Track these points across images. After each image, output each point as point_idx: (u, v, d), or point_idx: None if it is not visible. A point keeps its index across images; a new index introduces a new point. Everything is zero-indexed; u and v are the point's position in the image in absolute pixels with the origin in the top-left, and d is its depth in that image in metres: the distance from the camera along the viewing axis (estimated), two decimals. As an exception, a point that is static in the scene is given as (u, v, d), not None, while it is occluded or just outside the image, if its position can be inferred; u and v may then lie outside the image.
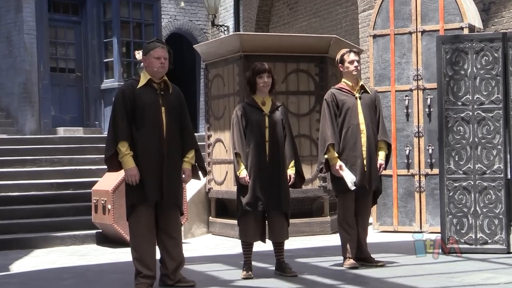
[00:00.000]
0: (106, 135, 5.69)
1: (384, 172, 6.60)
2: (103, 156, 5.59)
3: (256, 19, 17.18)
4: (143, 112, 5.42)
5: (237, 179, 6.07)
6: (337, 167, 6.21)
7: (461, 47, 7.12)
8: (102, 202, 8.42)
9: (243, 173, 5.99)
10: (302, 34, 14.65)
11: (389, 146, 6.49)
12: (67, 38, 14.99)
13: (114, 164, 5.51)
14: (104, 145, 5.66)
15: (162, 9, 17.08)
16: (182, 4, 18.67)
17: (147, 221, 5.46)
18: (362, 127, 6.30)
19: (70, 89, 14.85)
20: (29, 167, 10.93)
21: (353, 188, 6.18)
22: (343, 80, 6.50)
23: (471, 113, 7.06)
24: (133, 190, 5.42)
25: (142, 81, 5.51)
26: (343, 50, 6.51)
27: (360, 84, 6.44)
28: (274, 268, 6.20)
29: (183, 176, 5.60)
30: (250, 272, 6.04)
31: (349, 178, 6.18)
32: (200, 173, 5.80)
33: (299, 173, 6.21)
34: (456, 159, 7.08)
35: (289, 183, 6.12)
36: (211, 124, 9.85)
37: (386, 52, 9.29)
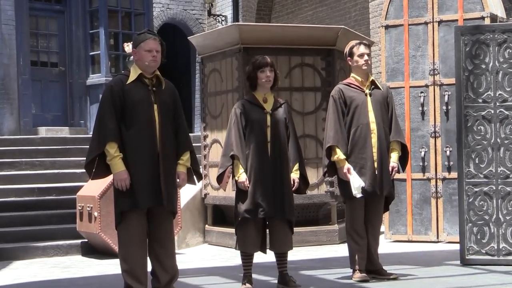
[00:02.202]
0: (91, 136, 5.68)
1: (397, 176, 6.61)
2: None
3: (256, 8, 17.19)
4: (133, 110, 5.42)
5: (236, 183, 6.07)
6: (345, 171, 6.22)
7: (482, 38, 7.13)
8: (88, 209, 8.43)
9: (242, 177, 5.99)
10: (307, 24, 14.66)
11: (404, 147, 6.49)
12: (49, 29, 14.98)
13: (98, 169, 5.49)
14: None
15: (154, -3, 17.09)
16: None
17: (138, 229, 5.46)
18: (373, 126, 6.30)
19: (53, 85, 14.85)
20: (7, 170, 10.93)
21: (358, 195, 6.18)
22: (352, 75, 6.50)
23: (492, 111, 7.06)
24: (122, 196, 5.41)
25: (132, 76, 5.51)
26: (352, 42, 6.52)
27: (370, 80, 6.45)
28: (276, 282, 6.20)
29: (178, 180, 5.60)
30: (250, 286, 6.04)
31: (356, 183, 6.17)
32: (195, 177, 5.80)
33: (303, 177, 6.22)
34: (477, 162, 7.08)
35: (293, 188, 6.13)
36: (208, 123, 9.86)
37: (400, 45, 9.29)
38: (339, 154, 6.23)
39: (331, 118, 6.32)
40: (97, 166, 5.49)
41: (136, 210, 5.42)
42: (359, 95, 6.36)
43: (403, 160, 6.52)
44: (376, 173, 6.27)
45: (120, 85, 5.47)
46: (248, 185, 5.98)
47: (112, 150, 5.37)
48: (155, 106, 5.47)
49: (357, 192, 6.16)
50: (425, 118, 9.12)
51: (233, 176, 6.09)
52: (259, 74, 6.10)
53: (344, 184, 6.30)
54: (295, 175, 6.13)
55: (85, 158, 5.63)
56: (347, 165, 6.22)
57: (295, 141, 6.18)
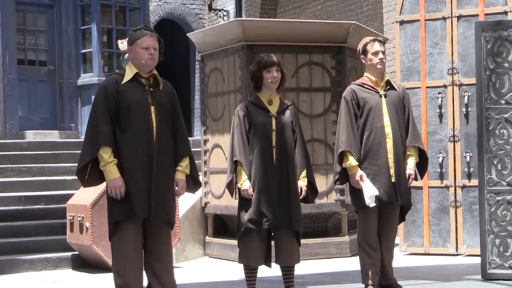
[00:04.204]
0: (83, 140, 5.68)
1: (413, 184, 6.59)
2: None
3: (261, 2, 17.20)
4: (129, 112, 5.42)
5: (238, 191, 6.07)
6: (357, 178, 6.21)
7: (505, 35, 7.12)
8: (79, 219, 8.43)
9: (246, 184, 5.99)
10: (315, 20, 14.66)
11: (422, 153, 6.47)
12: (38, 25, 14.99)
13: (91, 176, 5.49)
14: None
15: (150, -9, 17.11)
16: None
17: (133, 241, 5.45)
18: (388, 130, 6.29)
19: (41, 85, 14.84)
20: (-8, 177, 10.94)
21: (372, 205, 6.16)
22: (365, 74, 6.50)
23: (516, 114, 7.06)
24: (117, 205, 5.41)
25: (128, 75, 5.51)
26: (366, 39, 6.51)
27: (385, 80, 6.44)
28: (282, 297, 6.21)
29: (176, 188, 5.60)
30: (254, 302, 6.05)
31: (370, 192, 6.15)
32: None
33: (311, 184, 6.22)
34: (499, 168, 7.07)
35: (300, 197, 6.12)
36: (208, 126, 9.87)
37: (415, 42, 9.29)
38: (351, 160, 6.21)
39: (343, 121, 6.30)
40: (90, 173, 5.49)
41: (132, 220, 5.42)
42: (373, 97, 6.35)
43: (421, 167, 6.51)
44: (392, 180, 6.25)
45: (114, 85, 5.47)
46: (252, 193, 5.98)
47: (106, 155, 5.38)
48: (152, 108, 5.47)
49: (370, 201, 6.14)
50: (443, 121, 9.12)
51: (236, 184, 6.09)
52: (264, 74, 6.10)
53: (356, 192, 6.29)
54: (302, 183, 6.12)
55: (76, 164, 5.63)
56: (359, 172, 6.20)
57: (302, 146, 6.18)
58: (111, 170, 5.38)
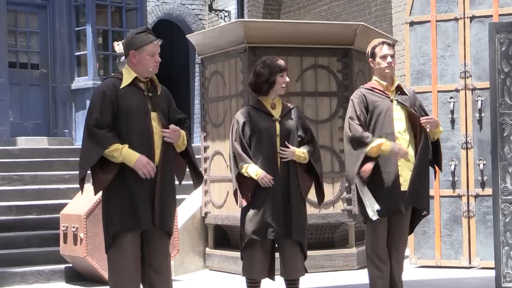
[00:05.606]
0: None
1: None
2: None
3: (264, 3, 17.23)
4: (128, 118, 5.39)
5: (237, 196, 6.07)
6: (397, 150, 6.08)
7: (520, 37, 7.12)
8: (73, 229, 8.43)
9: (260, 172, 5.92)
10: (321, 21, 14.68)
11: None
12: (30, 26, 15.02)
13: (96, 180, 5.43)
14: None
15: (148, -10, 17.13)
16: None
17: (133, 253, 5.41)
18: (398, 136, 6.28)
19: (33, 89, 14.86)
20: (-18, 186, 10.94)
21: (375, 218, 6.14)
22: (374, 78, 6.47)
23: (532, 119, 7.05)
24: (117, 214, 5.37)
25: (126, 79, 5.47)
26: (375, 41, 6.47)
27: (396, 84, 6.40)
28: (287, 312, 6.20)
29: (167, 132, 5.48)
30: (257, 317, 6.04)
31: (372, 205, 6.13)
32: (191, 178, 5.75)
33: (319, 188, 6.21)
34: (514, 177, 7.07)
35: (285, 152, 6.04)
36: (209, 132, 9.87)
37: (426, 44, 9.29)
38: (377, 140, 6.09)
39: (350, 112, 6.22)
40: (94, 177, 5.41)
41: (132, 231, 5.40)
42: (384, 101, 6.30)
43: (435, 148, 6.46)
44: (402, 189, 6.22)
45: (113, 89, 5.42)
46: (272, 178, 5.92)
47: (117, 145, 5.30)
48: (153, 114, 5.46)
49: (373, 214, 6.12)
50: (455, 127, 9.11)
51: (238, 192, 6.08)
52: (278, 79, 6.09)
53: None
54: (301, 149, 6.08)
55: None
56: (393, 145, 6.10)
57: (315, 146, 6.15)
58: (130, 154, 5.29)
